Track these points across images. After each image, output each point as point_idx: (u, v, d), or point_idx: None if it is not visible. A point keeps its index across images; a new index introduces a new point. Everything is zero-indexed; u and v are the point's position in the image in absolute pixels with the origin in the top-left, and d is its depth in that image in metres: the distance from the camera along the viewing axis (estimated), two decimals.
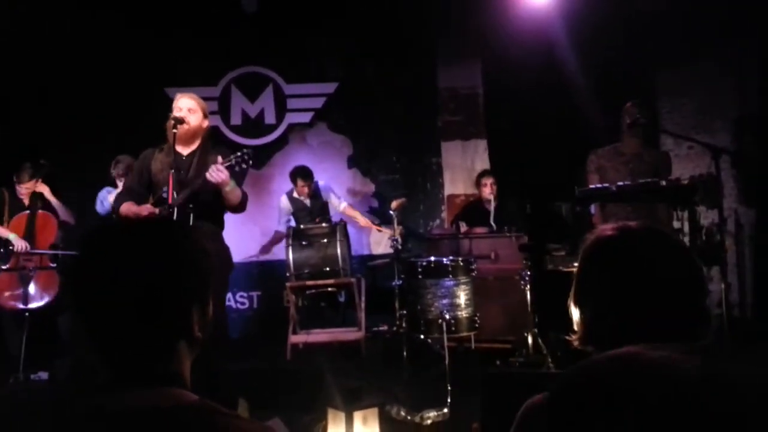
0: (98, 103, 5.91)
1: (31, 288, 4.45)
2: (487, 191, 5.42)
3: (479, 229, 5.04)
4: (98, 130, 5.86)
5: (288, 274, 4.96)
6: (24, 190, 4.77)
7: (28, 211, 4.70)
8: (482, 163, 6.17)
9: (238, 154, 3.24)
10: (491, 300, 4.51)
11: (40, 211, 4.74)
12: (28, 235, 4.61)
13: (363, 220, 5.73)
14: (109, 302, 0.95)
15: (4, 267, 4.49)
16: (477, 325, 3.98)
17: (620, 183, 3.77)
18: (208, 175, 3.11)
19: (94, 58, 5.88)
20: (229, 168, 3.19)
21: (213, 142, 3.59)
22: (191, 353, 1.03)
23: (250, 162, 3.26)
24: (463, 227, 5.14)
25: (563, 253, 4.46)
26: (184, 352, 1.01)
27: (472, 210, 5.57)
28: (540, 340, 4.17)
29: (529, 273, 4.19)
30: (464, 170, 6.22)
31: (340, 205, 5.72)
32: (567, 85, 5.47)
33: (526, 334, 4.16)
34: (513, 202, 5.32)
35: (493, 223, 5.28)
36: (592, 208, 4.62)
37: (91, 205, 5.14)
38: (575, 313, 1.22)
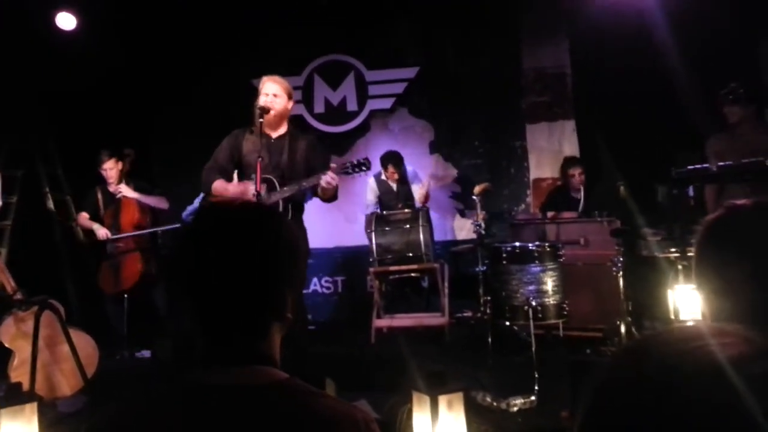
0: (188, 95, 6.17)
1: (123, 271, 4.76)
2: (576, 181, 5.21)
3: (567, 214, 4.86)
4: (188, 122, 6.13)
5: (371, 260, 5.00)
6: (108, 172, 5.04)
7: (113, 204, 5.01)
8: (570, 145, 5.94)
9: (356, 162, 3.39)
10: (580, 287, 4.34)
11: (123, 198, 5.02)
12: (114, 223, 4.93)
13: (425, 185, 5.59)
14: (213, 283, 0.99)
15: (105, 253, 4.82)
16: (565, 313, 3.85)
17: (721, 163, 3.52)
18: (323, 182, 3.27)
19: (182, 52, 6.14)
20: (344, 173, 3.37)
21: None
22: (281, 334, 1.06)
23: (367, 170, 3.45)
24: (551, 215, 4.97)
25: (659, 237, 4.24)
26: (276, 332, 1.04)
27: (557, 196, 5.39)
28: (633, 329, 3.99)
29: (621, 259, 4.00)
30: (551, 153, 6.01)
31: (418, 193, 5.66)
32: (662, 60, 5.14)
33: (618, 323, 3.98)
34: (604, 186, 5.09)
35: (580, 212, 5.07)
36: (690, 190, 4.35)
37: (181, 191, 5.33)
38: (708, 298, 1.07)
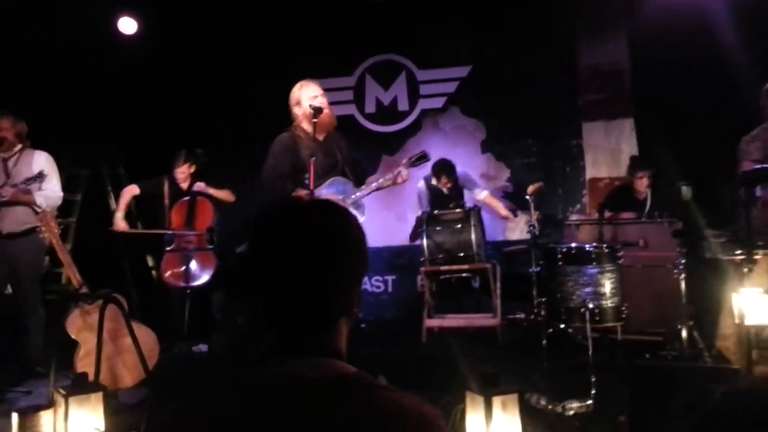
0: (245, 96, 6.30)
1: (192, 267, 4.81)
2: (643, 185, 5.04)
3: (626, 215, 4.71)
4: (246, 122, 6.25)
5: (422, 259, 4.98)
6: (180, 174, 5.15)
7: (188, 197, 5.04)
8: (629, 144, 5.78)
9: (414, 158, 3.67)
10: (640, 289, 4.22)
11: (199, 197, 5.07)
12: (189, 219, 4.98)
13: (504, 211, 5.62)
14: (285, 277, 1.01)
15: (168, 248, 4.91)
16: (624, 316, 3.74)
17: None
18: (400, 178, 3.54)
19: (237, 54, 6.27)
20: (411, 166, 3.64)
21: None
22: (348, 328, 1.07)
23: (427, 161, 3.78)
24: (608, 215, 4.83)
25: (724, 239, 4.06)
26: (343, 326, 1.06)
27: (618, 197, 5.23)
28: (695, 333, 3.84)
29: (683, 261, 3.86)
30: (608, 152, 5.86)
31: (480, 193, 5.62)
32: (725, 55, 4.93)
33: (679, 327, 3.85)
34: (665, 186, 4.91)
35: (645, 215, 4.91)
36: (758, 191, 4.16)
37: (242, 188, 5.42)
38: None
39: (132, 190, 5.16)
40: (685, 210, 4.39)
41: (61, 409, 2.47)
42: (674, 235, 4.05)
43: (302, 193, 3.41)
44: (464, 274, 5.08)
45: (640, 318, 4.14)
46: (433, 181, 5.55)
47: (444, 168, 5.44)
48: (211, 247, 4.87)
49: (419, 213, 5.60)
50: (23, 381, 4.01)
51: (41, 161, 4.23)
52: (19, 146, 4.24)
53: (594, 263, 3.71)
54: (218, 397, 0.97)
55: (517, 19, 5.92)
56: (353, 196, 3.47)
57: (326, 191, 3.50)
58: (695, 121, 5.01)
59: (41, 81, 5.37)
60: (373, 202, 6.27)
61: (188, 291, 4.75)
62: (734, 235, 3.95)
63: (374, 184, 3.52)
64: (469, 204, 5.44)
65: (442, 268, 4.94)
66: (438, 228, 4.97)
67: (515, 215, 5.62)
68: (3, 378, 3.96)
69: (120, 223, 4.99)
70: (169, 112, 6.06)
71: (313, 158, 3.39)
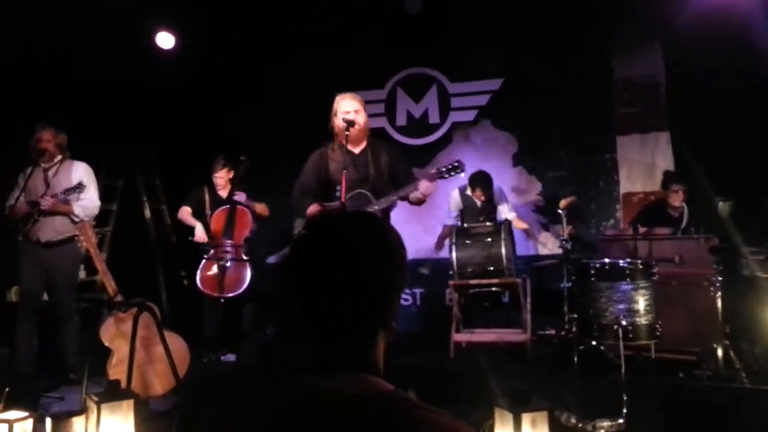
0: (273, 110, 6.37)
1: (227, 278, 4.84)
2: (678, 200, 4.93)
3: (661, 230, 4.62)
4: (272, 136, 6.32)
5: (451, 273, 4.95)
6: (219, 180, 5.20)
7: (228, 206, 5.06)
8: (665, 158, 5.66)
9: (449, 166, 3.45)
10: (675, 307, 4.11)
11: (238, 207, 5.08)
12: (227, 229, 5.01)
13: (532, 235, 5.59)
14: (324, 290, 1.00)
15: (206, 257, 4.96)
16: (658, 334, 3.65)
17: None
18: (421, 192, 3.36)
19: (272, 67, 6.36)
20: (440, 178, 3.43)
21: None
22: (385, 342, 1.06)
23: (461, 172, 3.47)
24: (642, 231, 4.74)
25: (762, 257, 3.96)
26: (381, 340, 1.04)
27: (652, 212, 5.12)
28: (732, 353, 3.73)
29: (720, 278, 3.76)
30: (643, 166, 5.75)
31: (509, 213, 5.55)
32: (763, 67, 4.82)
33: (715, 346, 3.75)
34: (701, 202, 4.80)
35: (681, 230, 4.80)
36: None
37: (278, 198, 5.45)
38: None
39: (187, 210, 5.23)
40: (722, 226, 4.29)
41: (93, 416, 2.51)
42: (711, 252, 3.95)
43: (326, 206, 3.46)
44: (494, 289, 5.03)
45: (674, 336, 4.03)
46: (468, 192, 5.52)
47: (480, 180, 5.40)
48: (246, 258, 4.90)
49: (448, 222, 5.58)
50: (57, 387, 4.10)
51: (80, 171, 4.35)
52: (59, 157, 4.37)
53: (628, 279, 3.65)
54: (254, 410, 0.98)
55: (550, 31, 5.88)
56: (371, 209, 3.44)
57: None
58: (732, 134, 4.89)
59: (81, 92, 5.53)
60: (402, 214, 6.24)
61: (222, 300, 4.79)
62: None
63: (392, 197, 3.45)
64: (500, 218, 5.40)
65: (472, 282, 4.90)
66: (468, 241, 4.94)
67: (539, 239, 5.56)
68: (37, 384, 4.05)
69: (200, 232, 5.07)
70: (206, 123, 6.17)
71: (345, 171, 3.43)
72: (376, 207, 3.43)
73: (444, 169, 3.45)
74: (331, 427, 0.91)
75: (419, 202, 3.52)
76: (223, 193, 5.22)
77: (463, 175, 3.51)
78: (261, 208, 5.20)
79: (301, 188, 3.66)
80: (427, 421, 0.93)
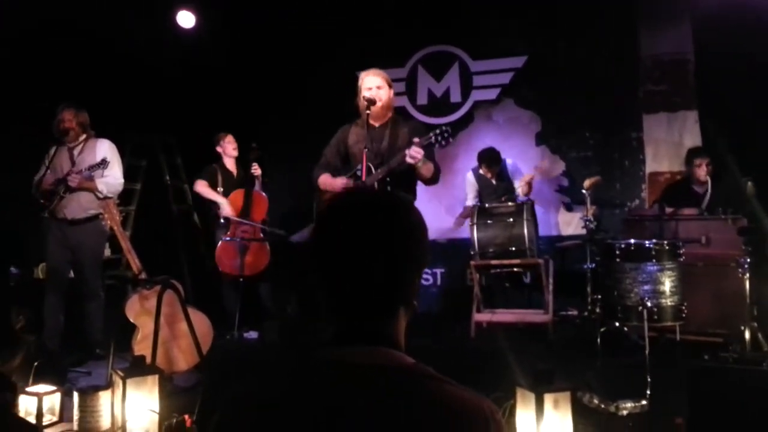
0: (294, 90, 6.35)
1: (246, 257, 4.90)
2: (703, 173, 4.84)
3: (687, 211, 4.53)
4: (295, 117, 6.31)
5: (472, 253, 4.92)
6: (229, 146, 5.29)
7: (244, 188, 5.13)
8: (692, 137, 5.53)
9: (437, 131, 3.36)
10: (701, 288, 4.05)
11: (255, 190, 5.16)
12: (245, 210, 5.06)
13: (529, 175, 5.46)
14: (348, 266, 1.02)
15: (225, 237, 5.00)
16: (683, 315, 3.60)
17: None
18: (408, 157, 3.27)
19: (290, 46, 6.32)
20: (429, 145, 3.35)
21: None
22: (407, 319, 1.07)
23: (450, 139, 3.39)
24: (668, 211, 4.65)
25: None
26: (402, 317, 1.06)
27: (676, 191, 5.03)
28: (760, 335, 3.67)
29: (748, 260, 3.69)
30: (670, 145, 5.62)
31: (520, 188, 5.48)
32: None
33: (742, 328, 3.69)
34: (730, 181, 4.69)
35: (704, 208, 4.72)
36: None
37: (297, 179, 5.45)
38: None
39: (203, 184, 5.25)
40: (750, 206, 4.19)
41: (119, 390, 2.56)
42: (739, 233, 3.87)
43: (340, 182, 3.51)
44: (515, 269, 4.99)
45: (700, 318, 3.98)
46: (481, 171, 5.49)
47: (485, 157, 5.39)
48: (264, 237, 4.94)
49: (468, 203, 5.55)
50: (84, 362, 4.19)
51: (104, 148, 4.40)
52: (84, 136, 4.41)
53: (654, 260, 3.59)
54: (274, 380, 0.99)
55: (575, 7, 5.75)
56: (368, 180, 3.41)
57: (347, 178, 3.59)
58: (762, 113, 4.75)
59: (103, 72, 5.56)
60: (423, 194, 6.23)
61: (241, 279, 4.85)
62: None
63: (386, 167, 3.40)
64: (520, 196, 5.34)
65: (493, 262, 4.86)
66: (489, 221, 4.89)
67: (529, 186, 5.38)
68: (64, 359, 4.14)
69: (227, 208, 5.06)
70: (225, 105, 6.17)
71: (366, 149, 3.42)
72: (372, 179, 3.39)
73: (432, 135, 3.37)
74: (350, 396, 0.93)
75: (424, 178, 3.50)
76: (231, 166, 5.27)
77: (452, 140, 3.43)
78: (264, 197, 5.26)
79: (321, 161, 3.78)
80: (448, 394, 0.94)
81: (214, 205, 5.21)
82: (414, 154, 3.27)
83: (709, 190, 4.86)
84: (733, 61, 4.97)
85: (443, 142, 3.37)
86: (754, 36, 4.77)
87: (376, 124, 3.61)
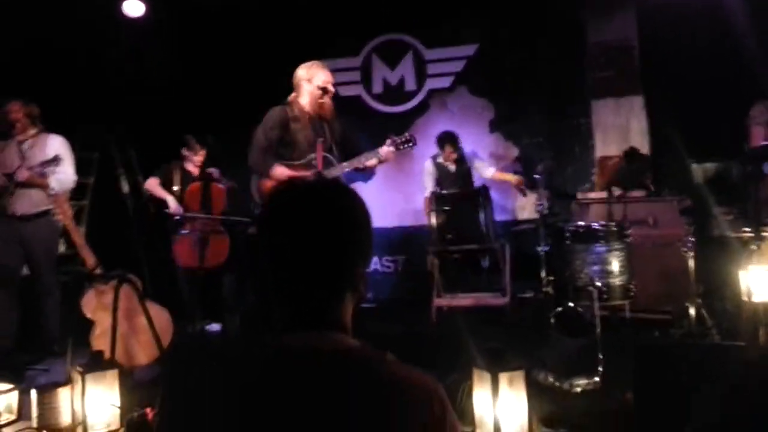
0: (248, 77, 6.26)
1: (206, 250, 4.83)
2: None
3: (635, 193, 4.70)
4: (242, 106, 6.21)
5: (431, 239, 5.00)
6: (196, 161, 5.09)
7: (201, 181, 5.00)
8: (639, 121, 5.73)
9: (401, 139, 3.62)
10: (648, 267, 4.21)
11: (213, 182, 5.05)
12: (204, 203, 4.99)
13: (515, 179, 5.58)
14: (292, 254, 1.05)
15: (183, 231, 4.94)
16: (632, 294, 3.75)
17: None
18: (383, 154, 3.53)
19: (243, 34, 6.24)
20: (394, 146, 3.60)
21: None
22: (354, 304, 1.10)
23: (413, 146, 3.71)
24: (616, 192, 4.82)
25: (731, 217, 4.07)
26: (349, 302, 1.09)
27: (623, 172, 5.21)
28: (704, 311, 3.86)
29: (692, 239, 3.86)
30: (618, 129, 5.80)
31: (488, 170, 5.61)
32: (736, 30, 4.86)
33: (687, 305, 3.86)
34: (676, 163, 4.89)
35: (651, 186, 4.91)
36: (766, 168, 4.15)
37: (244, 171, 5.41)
38: None
39: (155, 181, 5.15)
40: (695, 188, 4.38)
41: (78, 386, 2.54)
42: (682, 213, 4.05)
43: (305, 173, 3.50)
44: (473, 254, 5.10)
45: (648, 296, 4.14)
46: (439, 159, 5.55)
47: (447, 138, 5.44)
48: (223, 229, 4.90)
49: (427, 193, 5.62)
50: (41, 359, 4.10)
51: (56, 145, 4.29)
52: (34, 130, 4.29)
53: (602, 241, 3.71)
54: (232, 365, 1.01)
55: None
56: (333, 172, 3.49)
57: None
58: (705, 98, 4.95)
59: (50, 64, 5.40)
60: (382, 182, 6.30)
61: (202, 272, 4.80)
62: (742, 212, 3.95)
63: (354, 161, 3.55)
64: (477, 184, 5.45)
65: (451, 247, 4.96)
66: (446, 207, 4.98)
67: (525, 189, 5.54)
68: (21, 356, 4.05)
69: (174, 204, 4.99)
70: (177, 96, 6.07)
71: (322, 140, 3.45)
72: (338, 171, 3.48)
73: (398, 140, 3.57)
74: (296, 380, 0.95)
75: (367, 173, 3.74)
76: (194, 171, 5.18)
77: (414, 147, 3.70)
78: (229, 184, 5.20)
79: (262, 145, 3.61)
80: (392, 373, 0.97)
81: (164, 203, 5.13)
82: (389, 156, 3.46)
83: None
84: (676, 46, 5.17)
85: (403, 147, 3.60)
86: (694, 22, 4.96)
87: (316, 116, 3.62)
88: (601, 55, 5.87)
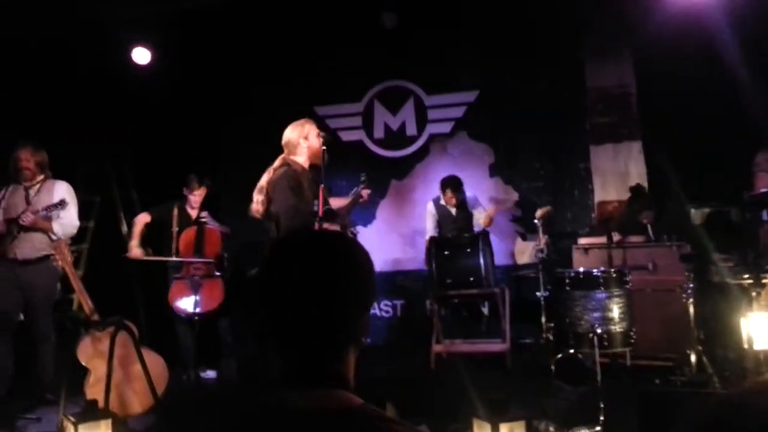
0: (253, 123, 6.35)
1: (200, 295, 4.82)
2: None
3: (635, 238, 4.71)
4: (254, 150, 6.30)
5: (431, 284, 4.99)
6: (196, 197, 5.15)
7: (196, 227, 5.06)
8: (637, 166, 5.77)
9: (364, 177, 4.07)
10: (649, 314, 4.19)
11: (206, 226, 5.09)
12: (197, 247, 5.00)
13: (491, 210, 5.58)
14: (293, 307, 1.02)
15: (177, 276, 4.93)
16: (633, 341, 3.71)
17: None
18: (365, 195, 3.94)
19: (248, 80, 6.36)
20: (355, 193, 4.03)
21: None
22: (355, 355, 1.08)
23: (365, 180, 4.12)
24: (616, 237, 4.82)
25: (732, 263, 4.06)
26: (351, 355, 1.07)
27: (624, 219, 5.21)
28: (705, 358, 3.82)
29: (692, 285, 3.85)
30: (617, 175, 5.84)
31: (482, 220, 5.59)
32: (732, 76, 4.94)
33: (688, 352, 3.83)
34: (675, 208, 4.90)
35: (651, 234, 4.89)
36: (765, 214, 4.16)
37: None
38: None
39: (144, 219, 5.15)
40: (694, 233, 4.38)
41: None
42: (682, 259, 4.04)
43: (334, 226, 3.55)
44: (473, 299, 5.08)
45: (649, 343, 4.11)
46: (442, 202, 5.56)
47: (449, 183, 5.44)
48: (219, 274, 4.89)
49: (427, 237, 5.61)
50: (33, 408, 4.04)
51: (62, 190, 4.33)
52: (41, 176, 4.34)
53: (602, 288, 3.69)
54: (239, 425, 1.00)
55: (524, 43, 5.97)
56: (338, 221, 3.59)
57: None
58: (703, 142, 4.99)
59: (59, 110, 5.50)
60: (382, 226, 6.33)
61: (196, 318, 4.76)
62: (742, 258, 3.95)
63: (352, 202, 3.96)
64: (480, 227, 5.45)
65: (451, 292, 4.95)
66: (446, 252, 4.98)
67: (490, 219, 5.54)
68: (13, 404, 3.99)
69: (135, 250, 4.98)
70: (181, 138, 6.15)
71: (322, 186, 3.49)
72: (340, 221, 3.69)
73: (363, 180, 4.04)
74: None
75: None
76: (194, 213, 5.20)
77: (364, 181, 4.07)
78: (225, 229, 5.23)
79: (308, 209, 3.46)
80: None
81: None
82: (367, 194, 3.86)
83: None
84: (673, 91, 5.23)
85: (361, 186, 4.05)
86: (691, 66, 5.03)
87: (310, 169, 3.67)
88: (600, 100, 5.96)
